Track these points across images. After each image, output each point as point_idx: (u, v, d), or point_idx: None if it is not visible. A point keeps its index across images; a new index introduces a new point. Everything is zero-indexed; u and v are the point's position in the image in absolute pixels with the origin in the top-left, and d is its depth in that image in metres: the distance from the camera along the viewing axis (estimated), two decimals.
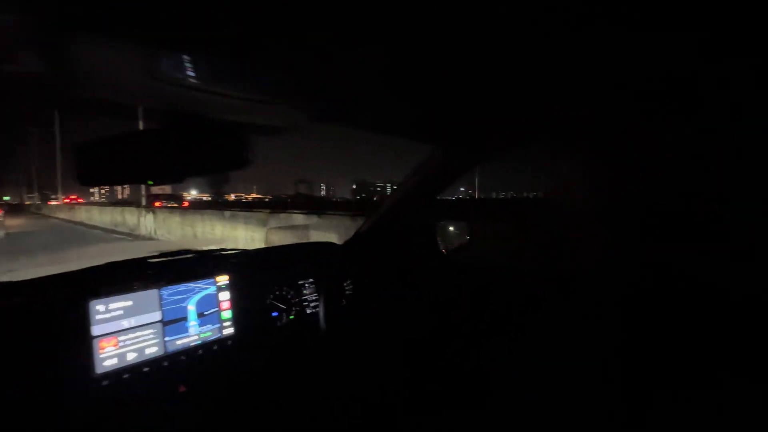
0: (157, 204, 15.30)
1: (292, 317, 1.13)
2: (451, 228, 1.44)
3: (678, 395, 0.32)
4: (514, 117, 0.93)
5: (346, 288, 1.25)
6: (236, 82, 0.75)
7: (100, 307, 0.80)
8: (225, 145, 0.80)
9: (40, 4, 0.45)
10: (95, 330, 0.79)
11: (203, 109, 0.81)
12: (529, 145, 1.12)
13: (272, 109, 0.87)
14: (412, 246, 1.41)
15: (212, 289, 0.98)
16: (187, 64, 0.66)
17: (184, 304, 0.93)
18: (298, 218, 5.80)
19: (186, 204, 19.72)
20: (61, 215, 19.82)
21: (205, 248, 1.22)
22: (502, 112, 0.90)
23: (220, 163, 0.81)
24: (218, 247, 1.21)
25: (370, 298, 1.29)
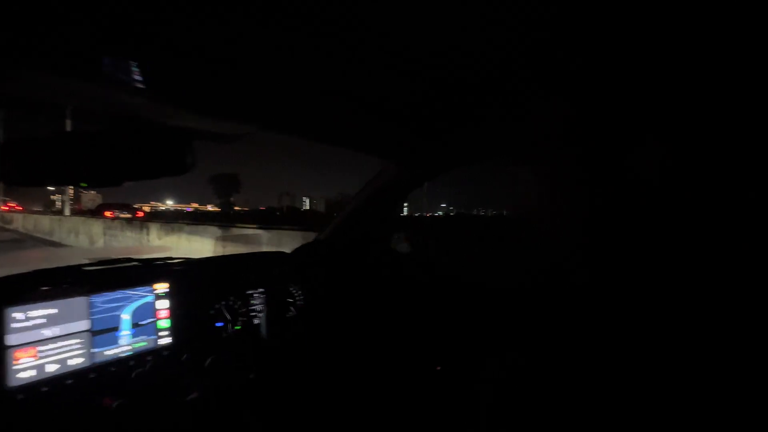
0: (107, 214, 14.30)
1: (238, 327, 1.11)
2: (406, 240, 1.48)
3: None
4: (467, 136, 0.98)
5: (297, 298, 1.24)
6: (181, 90, 0.75)
7: (18, 315, 0.75)
8: (165, 150, 0.79)
9: None
10: (11, 339, 0.74)
11: (143, 111, 0.80)
12: (484, 161, 1.18)
13: (218, 116, 0.87)
14: (368, 256, 1.43)
15: (150, 298, 0.94)
16: (133, 68, 0.67)
17: (117, 313, 0.89)
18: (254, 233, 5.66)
19: (140, 214, 18.59)
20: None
21: (148, 256, 1.18)
22: (454, 131, 0.96)
23: (159, 168, 0.80)
24: (163, 256, 1.17)
25: (324, 307, 1.28)
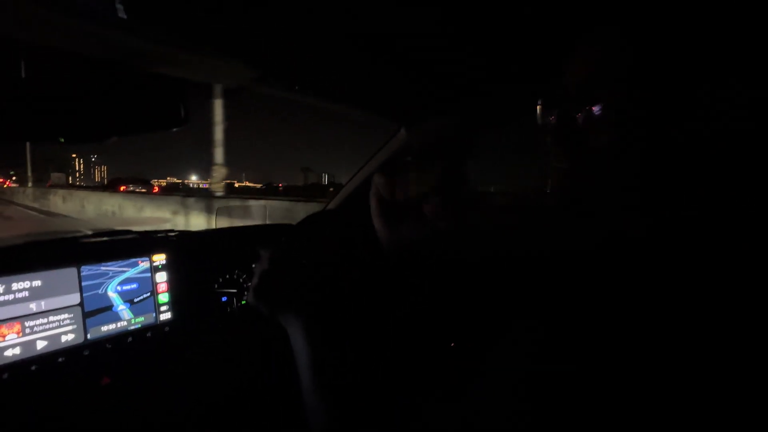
0: (121, 188, 14.55)
1: (244, 302, 1.04)
2: None
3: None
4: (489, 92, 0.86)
5: None
6: (176, 27, 0.63)
7: None
8: (156, 100, 0.69)
9: None
10: None
11: (132, 54, 0.69)
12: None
13: (217, 64, 0.75)
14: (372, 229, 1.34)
15: (145, 268, 0.87)
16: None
17: (111, 286, 0.81)
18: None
19: (156, 189, 18.79)
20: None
21: (145, 228, 1.10)
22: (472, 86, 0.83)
23: (149, 121, 0.70)
24: (162, 228, 1.09)
25: (333, 281, 1.20)
